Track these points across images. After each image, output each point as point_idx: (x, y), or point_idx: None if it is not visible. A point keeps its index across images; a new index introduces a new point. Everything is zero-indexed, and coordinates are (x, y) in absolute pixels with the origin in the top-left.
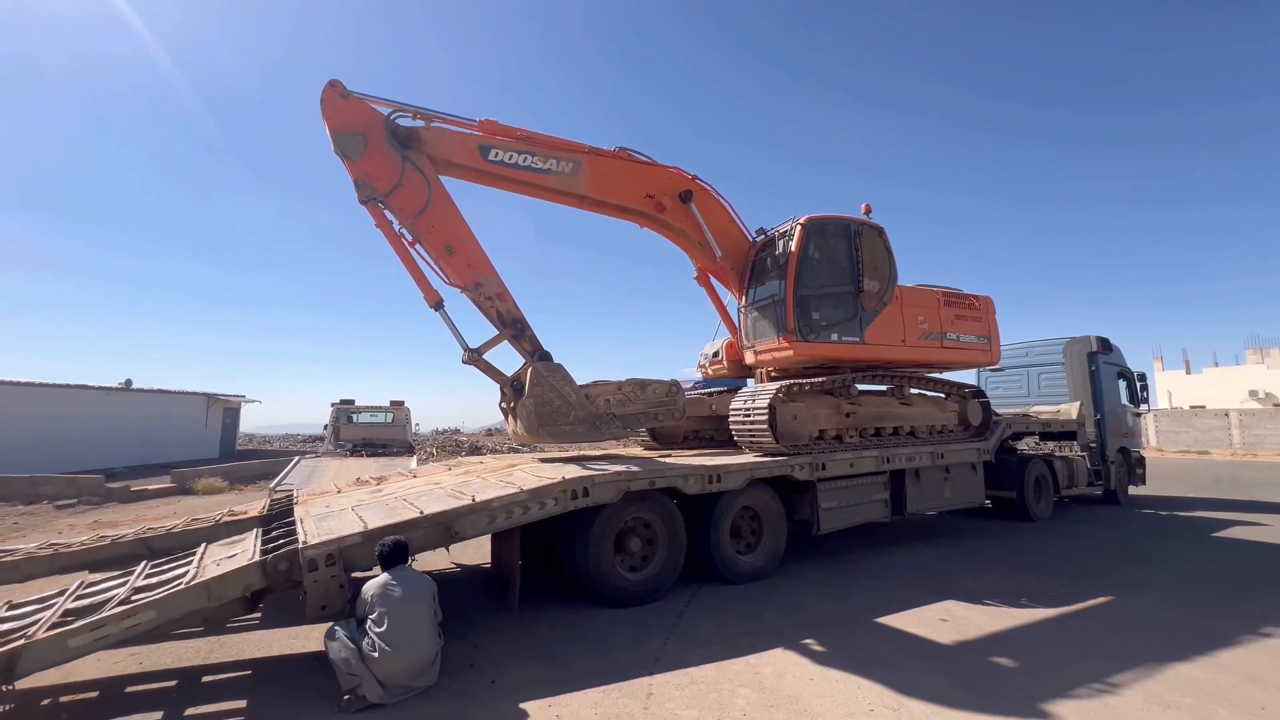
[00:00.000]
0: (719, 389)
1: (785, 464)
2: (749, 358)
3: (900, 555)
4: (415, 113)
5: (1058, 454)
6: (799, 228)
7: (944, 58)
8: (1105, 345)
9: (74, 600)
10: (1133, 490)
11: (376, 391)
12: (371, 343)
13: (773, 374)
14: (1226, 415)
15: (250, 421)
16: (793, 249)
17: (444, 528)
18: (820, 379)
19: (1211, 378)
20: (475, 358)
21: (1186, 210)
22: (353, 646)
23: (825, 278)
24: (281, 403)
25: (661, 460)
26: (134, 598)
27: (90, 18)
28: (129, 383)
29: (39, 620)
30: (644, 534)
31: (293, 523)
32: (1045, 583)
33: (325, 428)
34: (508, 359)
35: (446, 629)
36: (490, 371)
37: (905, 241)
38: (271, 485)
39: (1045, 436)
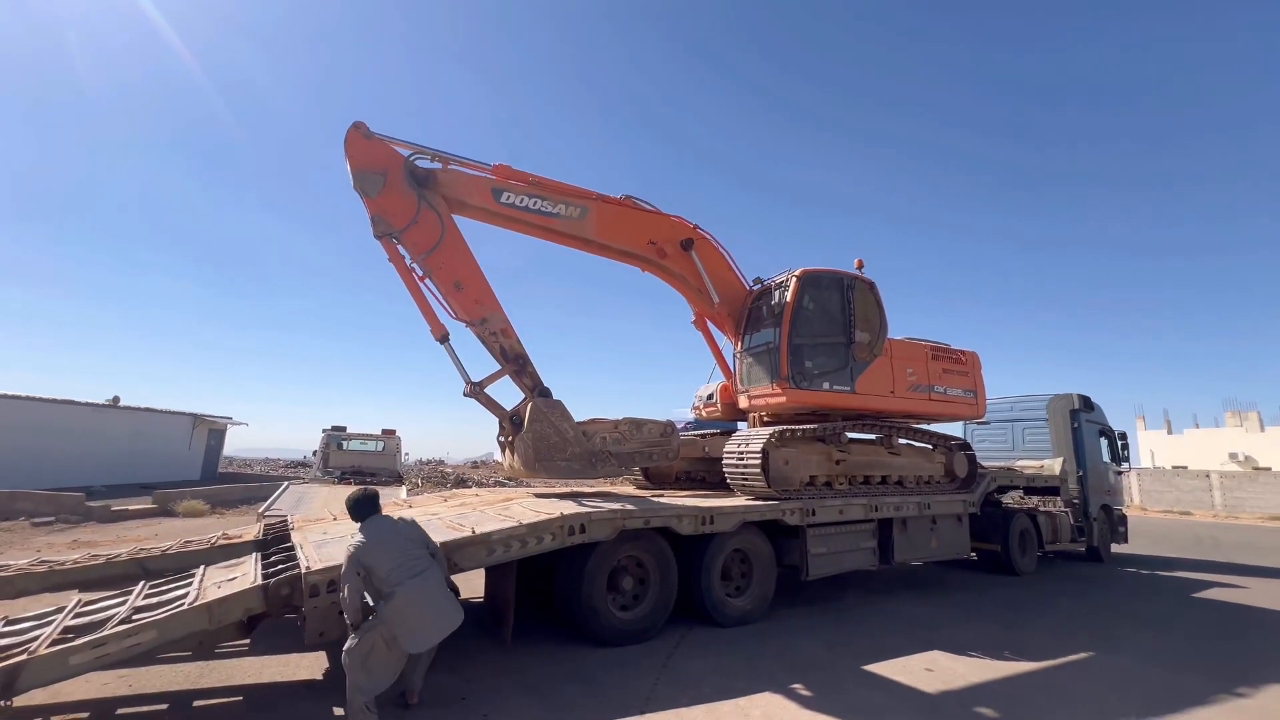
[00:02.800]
0: (712, 431)
1: (777, 508)
2: (743, 402)
3: (887, 605)
4: (434, 155)
5: (1042, 509)
6: (795, 279)
7: (926, 93)
8: (1087, 403)
9: (73, 618)
10: (1115, 548)
11: (358, 420)
12: (357, 371)
13: (765, 419)
14: (1208, 476)
15: (230, 444)
16: (788, 299)
17: (443, 558)
18: (812, 426)
19: (1192, 439)
20: (477, 391)
21: (1171, 260)
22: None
23: (819, 328)
24: (262, 426)
25: (656, 500)
26: (135, 617)
27: (107, 11)
28: (117, 400)
29: (39, 637)
30: (636, 573)
31: (290, 548)
32: (1027, 637)
33: (314, 453)
34: (508, 394)
35: (438, 662)
36: (490, 405)
37: (894, 288)
38: (261, 510)
39: (1029, 491)
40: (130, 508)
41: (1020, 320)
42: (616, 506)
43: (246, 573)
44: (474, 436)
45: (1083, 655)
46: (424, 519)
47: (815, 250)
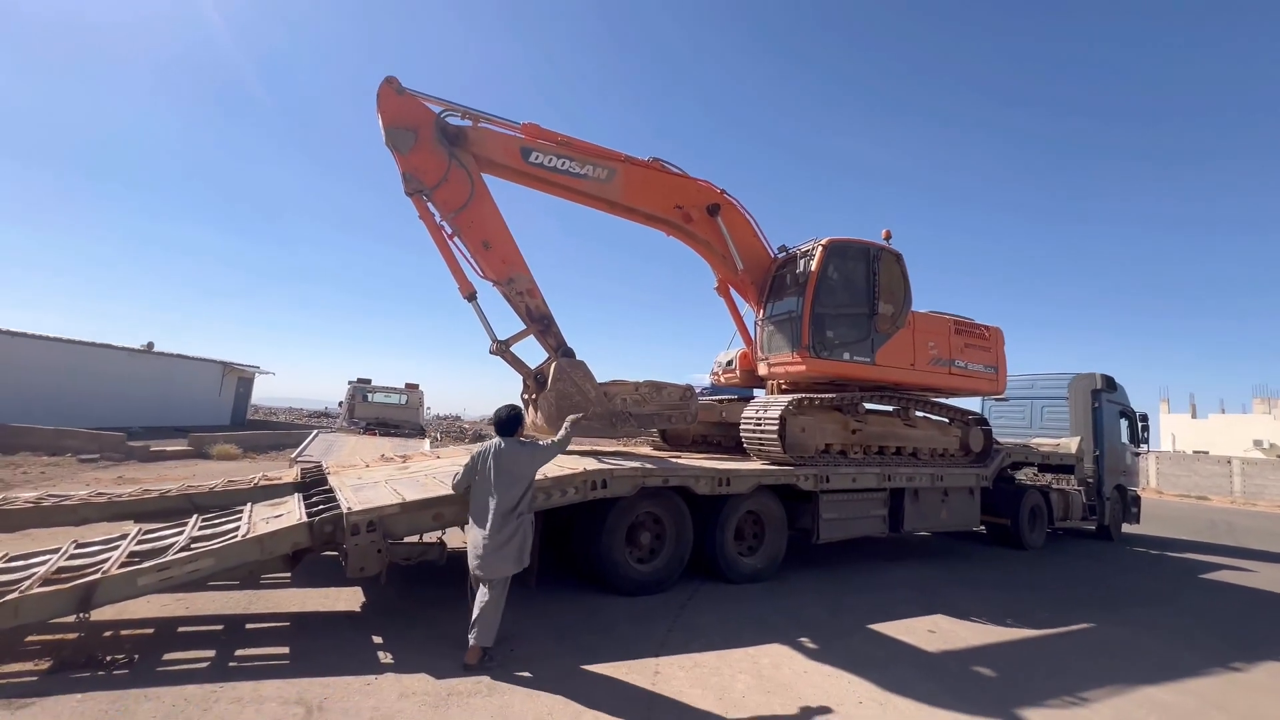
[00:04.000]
0: (730, 397)
1: (791, 474)
2: (762, 369)
3: (894, 571)
4: (464, 112)
5: (1054, 486)
6: (820, 248)
7: (959, 64)
8: (1110, 384)
9: (136, 544)
10: (1126, 528)
11: (378, 373)
12: (381, 325)
13: (783, 387)
14: (1229, 462)
15: (256, 393)
16: (813, 268)
17: None
18: (830, 395)
19: (1217, 424)
20: (503, 349)
21: (1206, 235)
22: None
23: (842, 298)
24: (285, 376)
25: (674, 460)
26: (193, 546)
27: None
28: (151, 345)
29: (109, 559)
30: (654, 529)
31: (330, 491)
32: (1031, 606)
33: (340, 404)
34: (532, 353)
35: (465, 605)
36: (515, 363)
37: (919, 257)
38: (293, 456)
39: (1044, 468)
40: (168, 449)
41: (1044, 297)
42: (636, 465)
43: (291, 511)
44: (491, 395)
45: (1083, 626)
46: (453, 468)
47: (845, 219)
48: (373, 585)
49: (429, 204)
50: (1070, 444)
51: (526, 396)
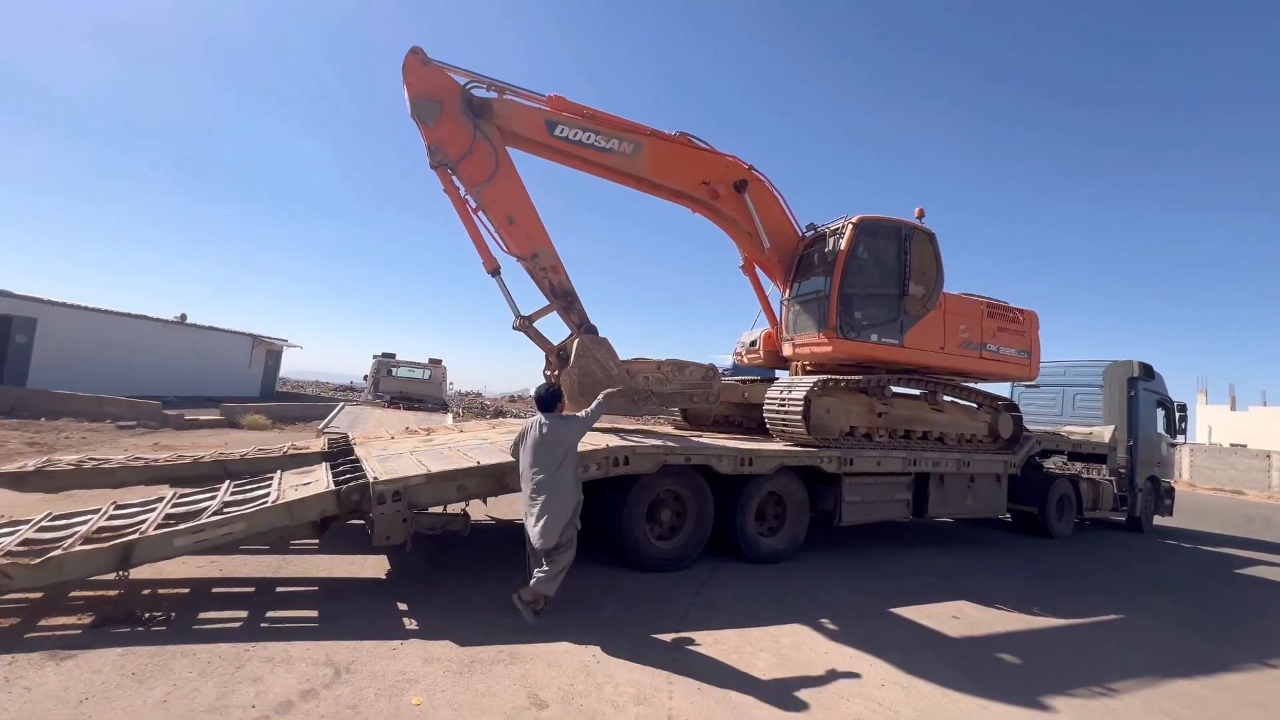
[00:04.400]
0: (752, 377)
1: (815, 455)
2: (787, 350)
3: (916, 556)
4: (489, 84)
5: (1085, 475)
6: (851, 226)
7: (990, 52)
8: (1148, 372)
9: (171, 507)
10: (1158, 520)
11: (402, 348)
12: (406, 301)
13: (808, 368)
14: (1268, 456)
15: (284, 366)
16: (842, 246)
17: (496, 479)
18: (856, 377)
19: (1258, 416)
20: (526, 325)
21: (1247, 221)
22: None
23: (871, 278)
24: (311, 350)
25: (696, 439)
26: (226, 510)
27: None
28: (184, 317)
29: (146, 520)
30: (674, 506)
31: (356, 461)
32: (1058, 595)
33: (365, 378)
34: (554, 330)
35: (488, 575)
36: (538, 339)
37: (952, 243)
38: (321, 427)
39: (1074, 457)
40: (201, 418)
41: (1073, 281)
42: (659, 442)
43: (319, 479)
44: (511, 371)
45: (1113, 617)
46: (476, 442)
47: (869, 194)
48: (398, 553)
49: (454, 178)
50: (1104, 433)
51: (549, 373)
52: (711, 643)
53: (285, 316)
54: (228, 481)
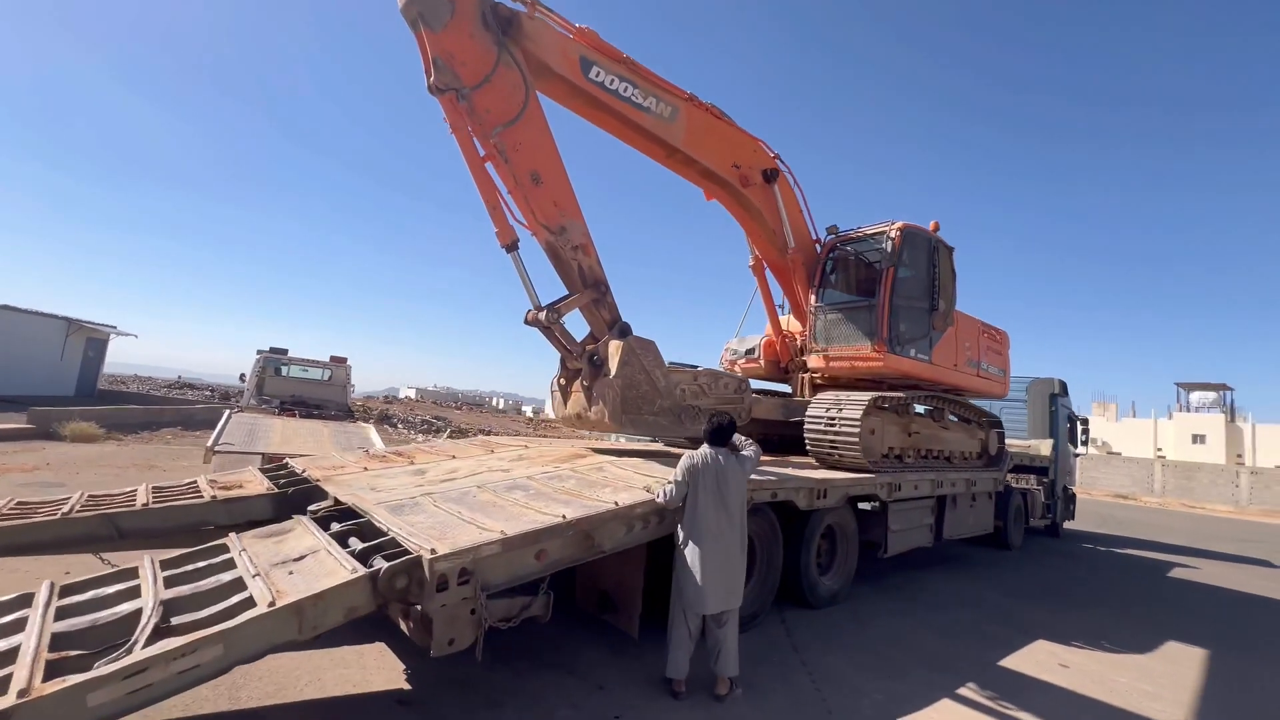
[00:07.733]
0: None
1: (873, 482)
2: (814, 361)
3: (938, 583)
4: None
5: (1029, 487)
6: (898, 233)
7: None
8: (1064, 389)
9: (56, 618)
10: (1066, 525)
11: (267, 343)
12: (253, 291)
13: (818, 381)
14: (1152, 464)
15: (112, 357)
16: (891, 254)
17: (585, 536)
18: (900, 394)
19: (1130, 427)
20: (552, 319)
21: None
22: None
23: (912, 291)
24: (153, 340)
25: (779, 470)
26: (170, 620)
27: None
28: None
29: (17, 653)
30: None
31: (347, 510)
32: (1105, 623)
33: (242, 377)
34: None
35: (557, 663)
36: (561, 338)
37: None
38: (209, 445)
39: (1017, 470)
40: (1, 426)
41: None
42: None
43: (315, 548)
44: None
45: (1176, 645)
46: (500, 477)
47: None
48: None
49: (466, 111)
50: (1043, 446)
51: (563, 382)
52: None
53: (105, 300)
54: (147, 558)
